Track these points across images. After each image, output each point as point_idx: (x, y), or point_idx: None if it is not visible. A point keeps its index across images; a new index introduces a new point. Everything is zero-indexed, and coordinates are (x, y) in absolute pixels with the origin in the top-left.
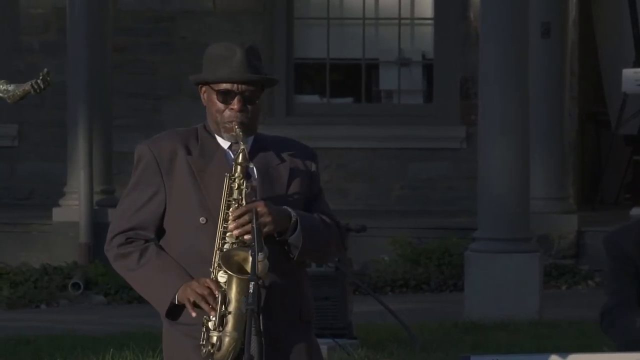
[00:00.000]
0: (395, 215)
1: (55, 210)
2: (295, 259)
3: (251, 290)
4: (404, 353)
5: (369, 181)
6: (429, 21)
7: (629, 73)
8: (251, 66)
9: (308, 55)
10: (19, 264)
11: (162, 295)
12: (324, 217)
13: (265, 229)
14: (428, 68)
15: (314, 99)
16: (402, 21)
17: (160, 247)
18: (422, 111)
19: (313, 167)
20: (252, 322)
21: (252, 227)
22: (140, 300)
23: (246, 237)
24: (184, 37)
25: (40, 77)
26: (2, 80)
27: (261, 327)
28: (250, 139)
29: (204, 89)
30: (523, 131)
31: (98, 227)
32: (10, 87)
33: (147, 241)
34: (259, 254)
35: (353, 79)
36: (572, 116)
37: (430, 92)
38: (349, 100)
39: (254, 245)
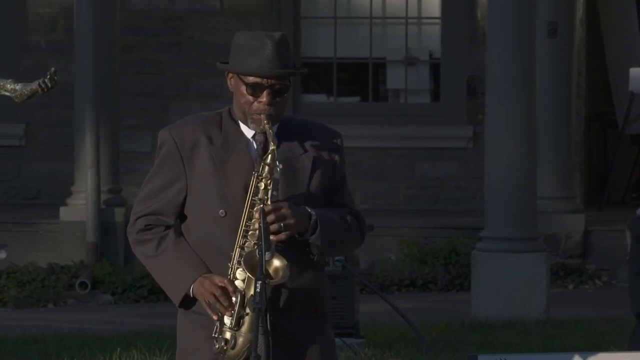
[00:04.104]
0: (403, 214)
1: (62, 210)
2: (314, 259)
3: (258, 290)
4: (411, 352)
5: (376, 180)
6: (436, 20)
7: (636, 72)
8: (282, 59)
9: (315, 55)
10: (26, 263)
11: (177, 286)
12: (343, 212)
13: (289, 232)
14: (435, 67)
15: (321, 98)
16: (410, 20)
17: (181, 233)
18: (429, 110)
19: (337, 156)
20: (259, 322)
21: (260, 226)
22: (147, 299)
23: (271, 238)
24: (191, 36)
25: (48, 77)
26: (10, 80)
27: (268, 327)
28: (276, 125)
29: (231, 75)
30: (530, 131)
31: (105, 226)
32: (18, 87)
33: (167, 227)
34: (266, 253)
35: (360, 78)
36: (579, 116)
37: (437, 91)
38: (356, 99)
39: (261, 244)
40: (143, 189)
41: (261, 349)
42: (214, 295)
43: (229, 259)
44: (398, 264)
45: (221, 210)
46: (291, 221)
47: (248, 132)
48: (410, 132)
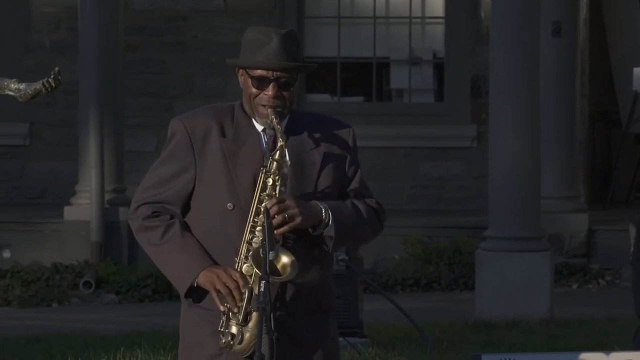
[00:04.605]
0: (407, 214)
1: (66, 209)
2: (330, 251)
3: (262, 289)
4: (415, 352)
5: (380, 180)
6: (440, 20)
7: (639, 72)
8: (287, 52)
9: (319, 54)
10: (30, 262)
11: (182, 276)
12: (356, 202)
13: (293, 223)
14: (439, 67)
15: (324, 97)
16: (413, 20)
17: (185, 225)
18: (433, 110)
19: (349, 149)
20: (263, 321)
21: (264, 225)
22: (151, 298)
23: (276, 231)
24: (195, 36)
25: (52, 76)
26: (13, 79)
27: (272, 326)
28: (285, 120)
29: (241, 71)
30: (534, 130)
31: (109, 226)
32: (22, 86)
33: (172, 217)
34: (270, 252)
35: (364, 78)
36: (583, 115)
37: (441, 91)
38: (359, 99)
39: (265, 243)
40: (149, 177)
41: (265, 348)
42: (227, 287)
43: (236, 252)
44: (402, 264)
45: (229, 204)
46: (295, 211)
47: (259, 126)
48: (414, 131)
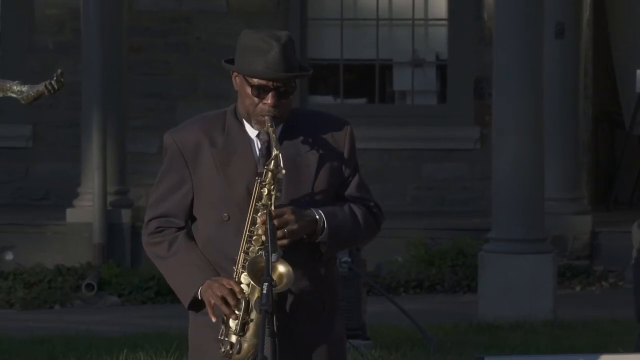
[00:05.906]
0: (410, 216)
1: (69, 211)
2: (323, 256)
3: (265, 291)
4: (418, 354)
5: (383, 182)
6: (443, 22)
7: None
8: (288, 62)
9: (322, 56)
10: (33, 264)
11: (185, 289)
12: (354, 207)
13: (293, 237)
14: (442, 68)
15: (327, 99)
16: (416, 22)
17: (192, 236)
18: (436, 112)
19: (345, 148)
20: (266, 323)
21: (266, 227)
22: (154, 301)
23: (279, 242)
24: (199, 37)
25: (55, 78)
26: (16, 81)
27: (275, 328)
28: (280, 124)
29: (236, 74)
30: (537, 131)
31: (112, 228)
32: (24, 88)
33: (179, 229)
34: (273, 255)
35: (367, 80)
36: (587, 116)
37: (444, 93)
38: (362, 101)
39: (268, 246)
40: (153, 193)
41: (267, 351)
42: (220, 297)
43: (234, 262)
44: (405, 266)
45: (225, 214)
46: (294, 227)
47: (252, 132)
48: (417, 133)
